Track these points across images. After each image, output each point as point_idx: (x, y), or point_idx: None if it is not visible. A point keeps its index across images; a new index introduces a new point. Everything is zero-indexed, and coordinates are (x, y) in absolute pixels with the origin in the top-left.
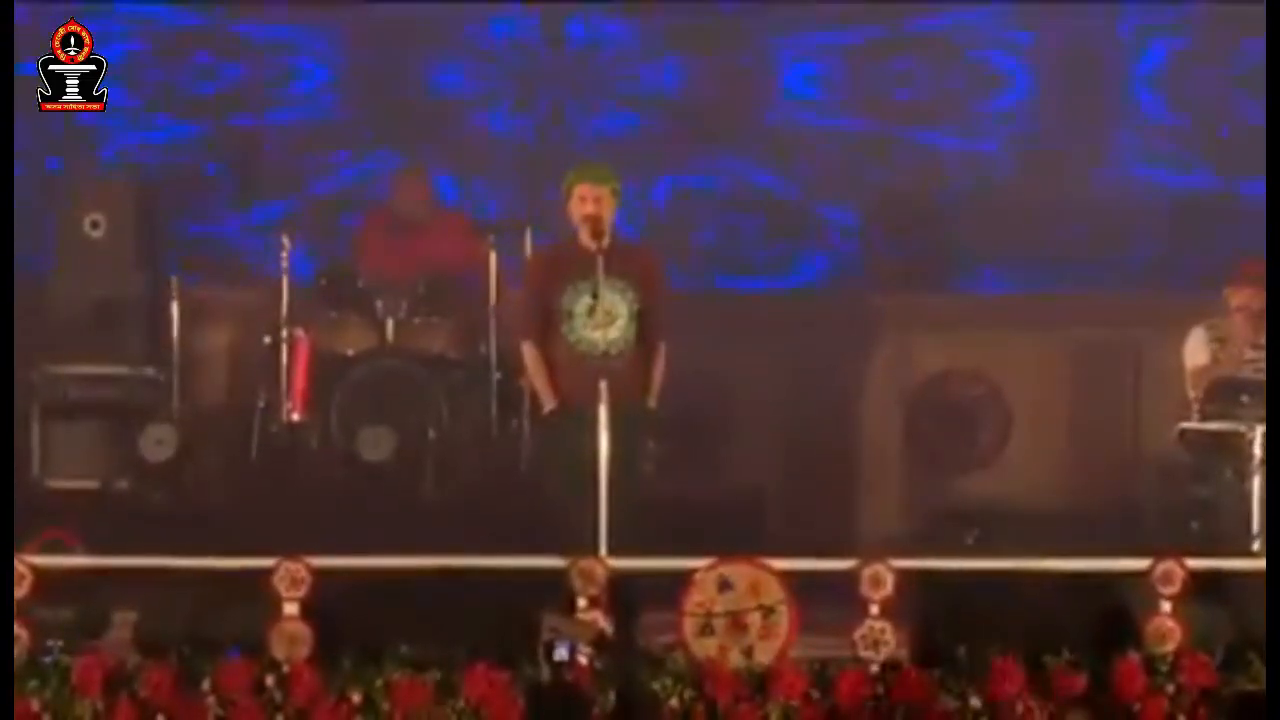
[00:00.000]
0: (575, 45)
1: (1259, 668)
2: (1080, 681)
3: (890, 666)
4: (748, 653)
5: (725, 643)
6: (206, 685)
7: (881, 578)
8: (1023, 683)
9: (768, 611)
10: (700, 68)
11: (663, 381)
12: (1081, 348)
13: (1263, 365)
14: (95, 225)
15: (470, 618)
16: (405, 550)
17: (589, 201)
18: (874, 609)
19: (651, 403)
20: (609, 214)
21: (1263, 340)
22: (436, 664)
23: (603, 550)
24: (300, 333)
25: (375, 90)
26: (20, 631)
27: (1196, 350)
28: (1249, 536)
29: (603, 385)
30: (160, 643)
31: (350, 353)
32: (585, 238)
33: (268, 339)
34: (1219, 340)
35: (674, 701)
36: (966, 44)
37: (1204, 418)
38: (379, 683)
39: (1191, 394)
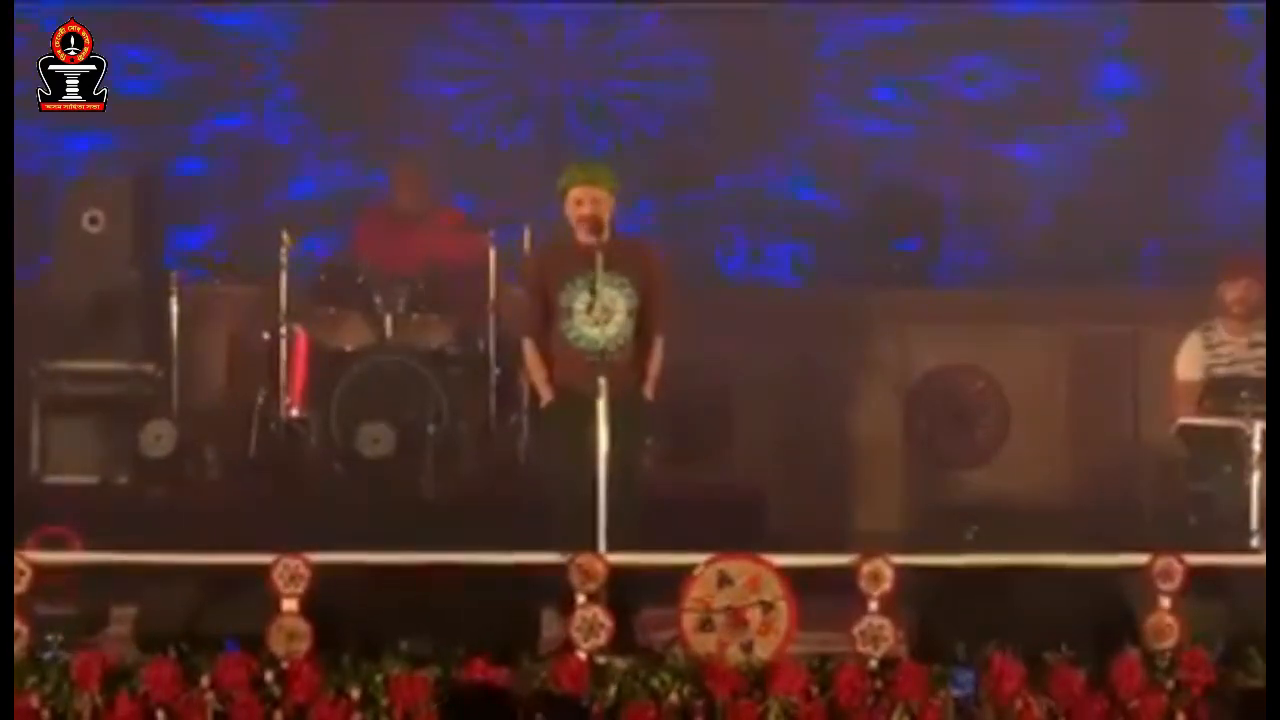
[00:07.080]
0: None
1: (1259, 664)
2: (1079, 678)
3: (889, 662)
4: (747, 648)
5: (725, 638)
6: (205, 681)
7: (880, 573)
8: (1022, 679)
9: (767, 607)
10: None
11: (659, 374)
12: (1080, 342)
13: (1262, 363)
14: (94, 221)
15: (469, 614)
16: (404, 546)
17: (586, 203)
18: (873, 605)
19: (649, 394)
20: (606, 213)
21: (1261, 337)
22: (435, 660)
23: (602, 546)
24: (299, 329)
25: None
26: (20, 627)
27: (1189, 362)
28: (1248, 532)
29: (602, 381)
30: (159, 639)
31: (349, 349)
32: (583, 234)
33: (267, 335)
34: (1211, 347)
35: (673, 697)
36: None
37: (1203, 413)
38: (378, 679)
39: (1177, 408)
